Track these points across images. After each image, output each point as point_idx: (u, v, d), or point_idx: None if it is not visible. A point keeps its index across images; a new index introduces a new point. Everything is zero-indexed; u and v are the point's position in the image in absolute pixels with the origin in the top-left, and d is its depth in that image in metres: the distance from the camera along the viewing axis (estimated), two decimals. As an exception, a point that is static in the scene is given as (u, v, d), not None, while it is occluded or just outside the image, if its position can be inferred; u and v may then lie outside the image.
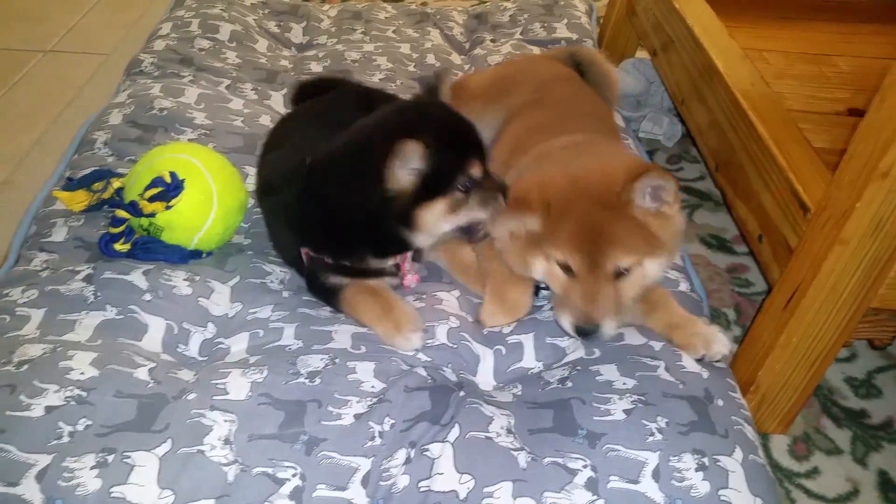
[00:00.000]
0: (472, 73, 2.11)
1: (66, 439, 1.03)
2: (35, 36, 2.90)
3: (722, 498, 1.02)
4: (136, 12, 3.11)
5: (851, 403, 1.56)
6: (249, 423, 1.07)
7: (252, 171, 1.60)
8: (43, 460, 1.00)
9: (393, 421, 1.10)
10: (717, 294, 1.81)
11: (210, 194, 1.38)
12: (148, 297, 1.28)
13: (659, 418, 1.10)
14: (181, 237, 1.38)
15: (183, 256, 1.38)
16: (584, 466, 1.05)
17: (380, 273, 1.34)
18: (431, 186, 1.19)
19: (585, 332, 1.19)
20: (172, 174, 1.34)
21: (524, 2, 2.56)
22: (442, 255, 1.44)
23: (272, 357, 1.20)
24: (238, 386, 1.12)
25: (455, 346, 1.27)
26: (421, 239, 1.26)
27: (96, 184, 1.47)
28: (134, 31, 2.92)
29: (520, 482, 1.03)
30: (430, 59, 2.25)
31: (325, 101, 1.64)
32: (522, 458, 1.06)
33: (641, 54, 2.51)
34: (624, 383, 1.17)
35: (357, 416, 1.11)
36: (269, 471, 1.03)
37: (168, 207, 1.34)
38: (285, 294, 1.38)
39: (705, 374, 1.20)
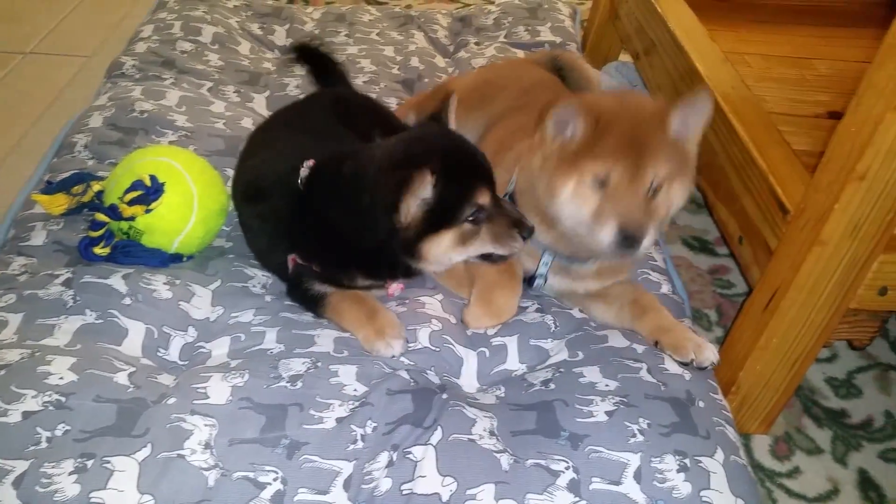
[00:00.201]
0: (455, 77, 2.11)
1: (44, 445, 1.01)
2: (14, 37, 2.87)
3: (703, 499, 1.02)
4: (117, 14, 3.08)
5: (832, 403, 1.58)
6: (230, 428, 1.07)
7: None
8: (20, 466, 0.99)
9: (375, 424, 1.10)
10: (699, 295, 1.82)
11: (191, 197, 1.37)
12: (128, 301, 1.27)
13: (641, 420, 1.11)
14: (161, 241, 1.37)
15: (163, 260, 1.37)
16: (567, 468, 1.05)
17: (368, 286, 1.34)
18: (437, 218, 1.17)
19: (632, 238, 1.17)
20: (153, 177, 1.33)
21: (508, 5, 2.57)
22: None
23: (254, 361, 1.20)
24: (219, 390, 1.12)
25: (438, 350, 1.27)
26: (429, 268, 1.27)
27: (76, 187, 1.46)
28: (115, 33, 2.89)
29: (502, 484, 1.03)
30: (415, 61, 2.25)
31: (301, 108, 1.63)
32: (505, 461, 1.06)
33: (624, 58, 2.53)
34: (606, 385, 1.17)
35: (339, 420, 1.10)
36: (250, 475, 1.02)
37: (148, 211, 1.33)
38: (267, 298, 1.37)
39: (687, 376, 1.21)
